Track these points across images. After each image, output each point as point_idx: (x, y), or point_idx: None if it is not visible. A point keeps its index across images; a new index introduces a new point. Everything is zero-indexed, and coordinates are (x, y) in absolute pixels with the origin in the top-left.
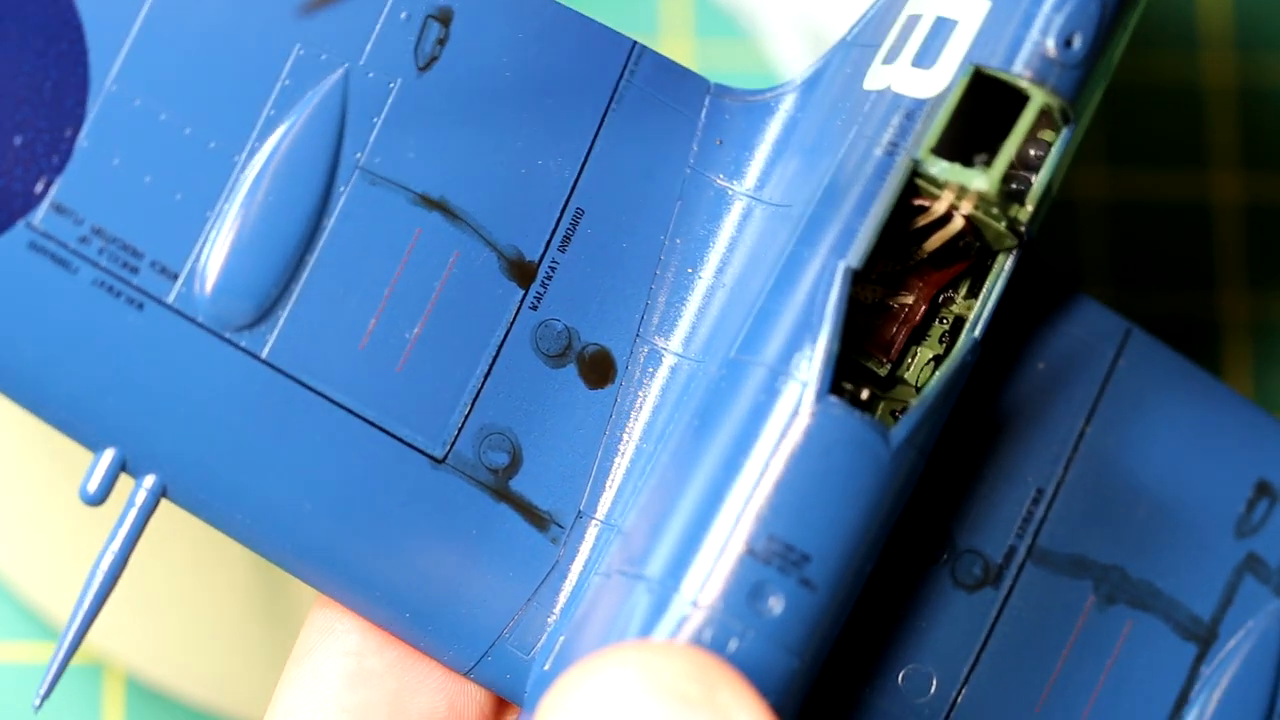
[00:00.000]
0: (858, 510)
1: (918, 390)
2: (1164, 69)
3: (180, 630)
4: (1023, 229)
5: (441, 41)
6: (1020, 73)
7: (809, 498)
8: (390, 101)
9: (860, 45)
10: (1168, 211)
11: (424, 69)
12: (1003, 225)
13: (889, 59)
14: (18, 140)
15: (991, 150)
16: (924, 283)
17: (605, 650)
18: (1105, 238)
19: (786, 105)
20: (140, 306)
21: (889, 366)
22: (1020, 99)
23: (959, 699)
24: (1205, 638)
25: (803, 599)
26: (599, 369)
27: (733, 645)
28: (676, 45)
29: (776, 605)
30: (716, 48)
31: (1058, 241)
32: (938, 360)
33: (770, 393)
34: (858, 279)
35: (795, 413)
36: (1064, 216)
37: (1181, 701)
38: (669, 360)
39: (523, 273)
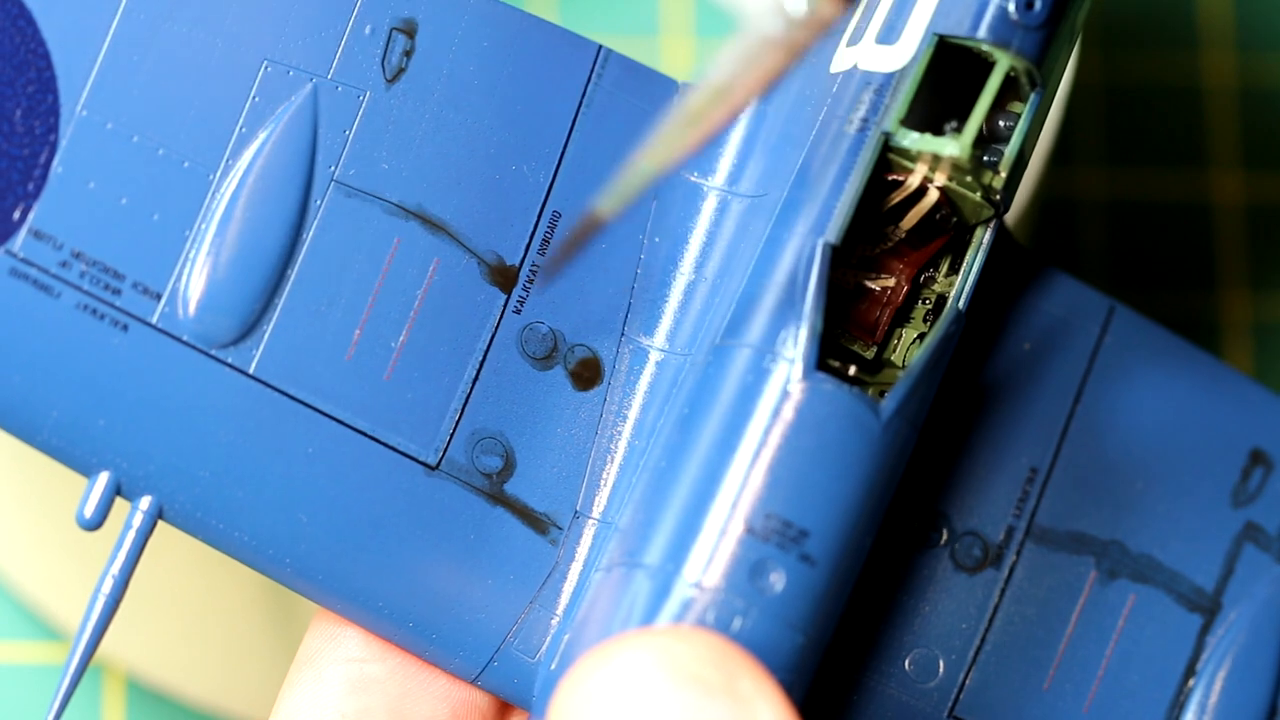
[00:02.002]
0: (853, 484)
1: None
2: (1164, 69)
3: (181, 630)
4: (997, 197)
5: (408, 53)
6: (984, 38)
7: (804, 474)
8: (361, 113)
9: None
10: (1168, 211)
11: (392, 80)
12: (977, 195)
13: (853, 41)
14: None
15: (962, 120)
16: (904, 264)
17: (620, 637)
18: (1105, 238)
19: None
20: (125, 328)
21: (874, 349)
22: (987, 67)
23: (967, 681)
24: (1209, 608)
25: (804, 574)
26: (586, 370)
27: (737, 624)
28: (676, 45)
29: (778, 582)
30: (716, 48)
31: (1058, 241)
32: (922, 339)
33: (758, 372)
34: (837, 265)
35: (785, 390)
36: (1064, 216)
37: (1189, 673)
38: (655, 357)
39: (504, 277)
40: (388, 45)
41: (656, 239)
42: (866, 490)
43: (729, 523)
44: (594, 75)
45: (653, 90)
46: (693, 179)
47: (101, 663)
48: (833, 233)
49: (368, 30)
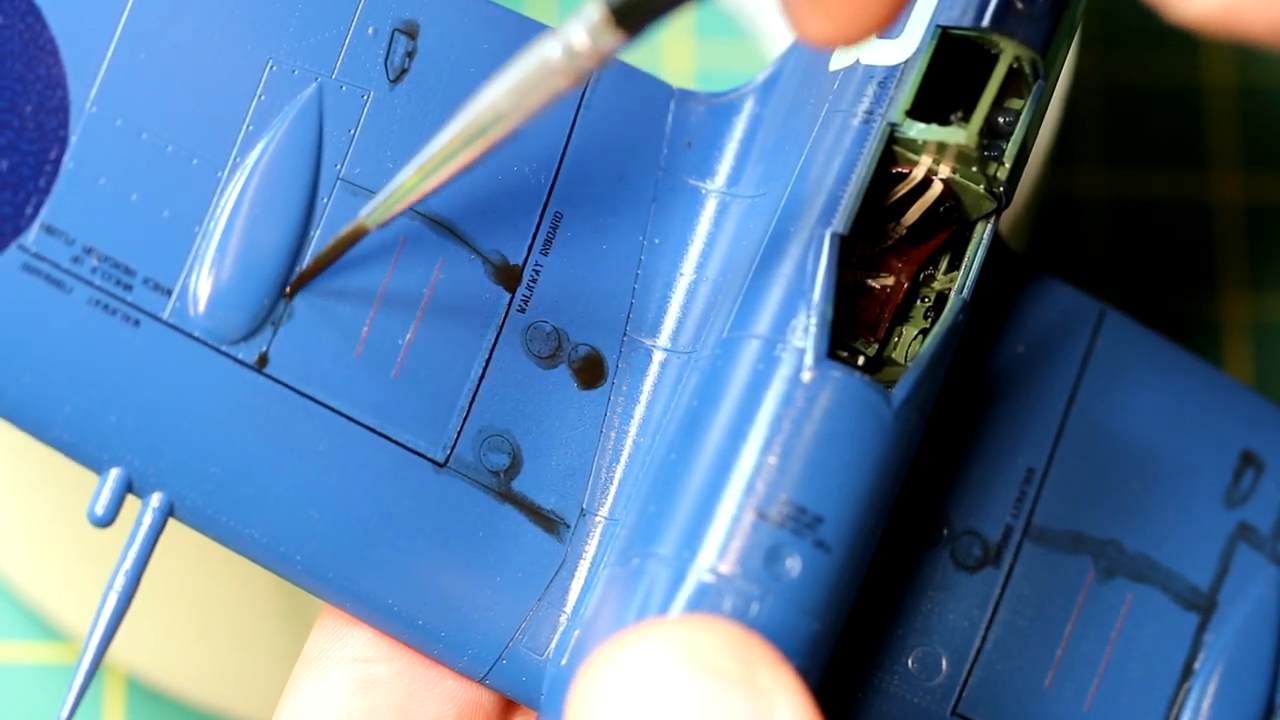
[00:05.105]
0: (865, 471)
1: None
2: (1164, 69)
3: (182, 630)
4: (1001, 189)
5: (410, 54)
6: (988, 29)
7: (817, 460)
8: (365, 113)
9: None
10: (1168, 211)
11: (395, 81)
12: (981, 187)
13: None
14: (4, 165)
15: (966, 112)
16: (903, 261)
17: (637, 626)
18: (1105, 238)
19: (750, 103)
20: (136, 323)
21: (876, 347)
22: (991, 59)
23: (970, 679)
24: (1205, 607)
25: (819, 560)
26: (590, 370)
27: (754, 611)
28: (677, 45)
29: (794, 567)
30: (716, 48)
31: (1058, 241)
32: (924, 335)
33: (769, 361)
34: (839, 263)
35: (796, 377)
36: (1064, 216)
37: (1187, 671)
38: (659, 356)
39: (508, 276)
40: (390, 46)
41: (656, 240)
42: (878, 477)
43: (743, 509)
44: (591, 80)
45: (649, 94)
46: (691, 182)
47: (102, 662)
48: (840, 223)
49: (370, 31)
